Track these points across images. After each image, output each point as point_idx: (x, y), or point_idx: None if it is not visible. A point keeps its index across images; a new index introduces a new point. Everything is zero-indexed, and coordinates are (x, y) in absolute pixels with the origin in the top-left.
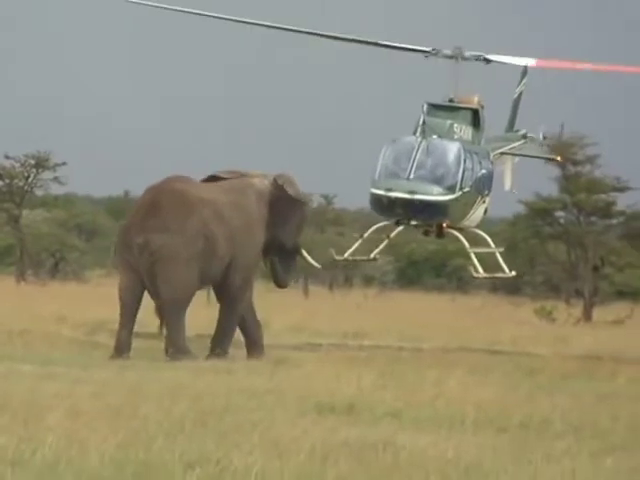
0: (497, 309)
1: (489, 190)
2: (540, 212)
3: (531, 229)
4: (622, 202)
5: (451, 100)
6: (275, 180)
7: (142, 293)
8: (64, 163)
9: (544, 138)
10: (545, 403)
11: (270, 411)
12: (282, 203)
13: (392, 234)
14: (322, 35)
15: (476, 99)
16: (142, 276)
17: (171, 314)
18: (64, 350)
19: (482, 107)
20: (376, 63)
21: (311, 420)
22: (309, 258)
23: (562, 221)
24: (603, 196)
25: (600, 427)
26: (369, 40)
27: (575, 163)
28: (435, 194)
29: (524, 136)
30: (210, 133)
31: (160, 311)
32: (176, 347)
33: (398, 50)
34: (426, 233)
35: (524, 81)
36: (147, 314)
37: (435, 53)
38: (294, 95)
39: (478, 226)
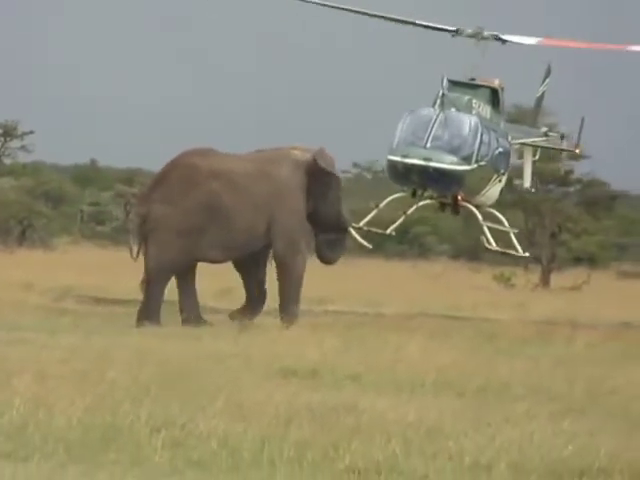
0: (457, 275)
1: (505, 169)
2: None
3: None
4: (578, 170)
5: (472, 79)
6: (318, 153)
7: None
8: (31, 132)
9: (562, 138)
10: (504, 367)
11: (235, 375)
12: (317, 177)
13: (409, 211)
14: (352, 10)
15: (497, 81)
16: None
17: (151, 282)
18: (31, 316)
19: (502, 89)
20: (403, 41)
21: (275, 384)
22: (359, 237)
23: (520, 189)
24: (560, 164)
25: (558, 390)
26: (399, 18)
27: None
28: (450, 163)
29: (546, 134)
30: (180, 102)
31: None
32: (145, 317)
33: (425, 29)
34: (442, 208)
35: (547, 81)
36: (115, 282)
37: (459, 33)
38: (319, 75)
39: (493, 206)
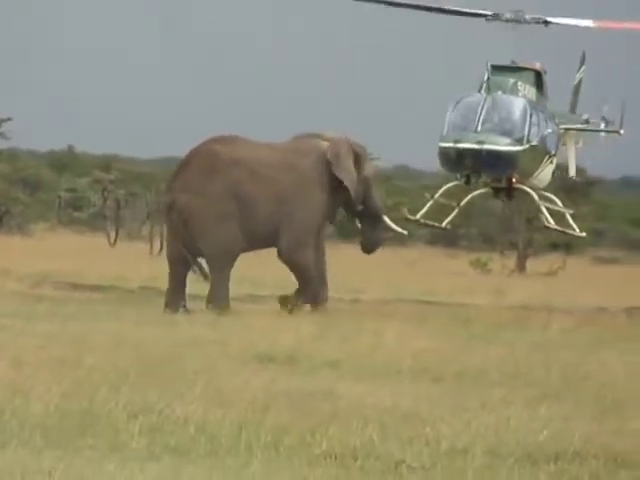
0: (434, 261)
1: (555, 151)
2: None
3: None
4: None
5: (514, 62)
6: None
7: (182, 249)
8: (9, 119)
9: (606, 124)
10: (480, 353)
11: (213, 361)
12: (358, 166)
13: (462, 202)
14: (383, 2)
15: (538, 65)
16: (175, 234)
17: (214, 271)
18: (8, 302)
19: (545, 72)
20: (437, 28)
21: (252, 370)
22: (393, 225)
23: None
24: None
25: (534, 376)
26: (431, 6)
27: None
28: (503, 144)
29: (587, 121)
30: (158, 89)
31: (199, 266)
32: (217, 304)
33: (460, 15)
34: (496, 193)
35: (583, 68)
36: (92, 268)
37: (497, 17)
38: (353, 62)
39: (546, 188)
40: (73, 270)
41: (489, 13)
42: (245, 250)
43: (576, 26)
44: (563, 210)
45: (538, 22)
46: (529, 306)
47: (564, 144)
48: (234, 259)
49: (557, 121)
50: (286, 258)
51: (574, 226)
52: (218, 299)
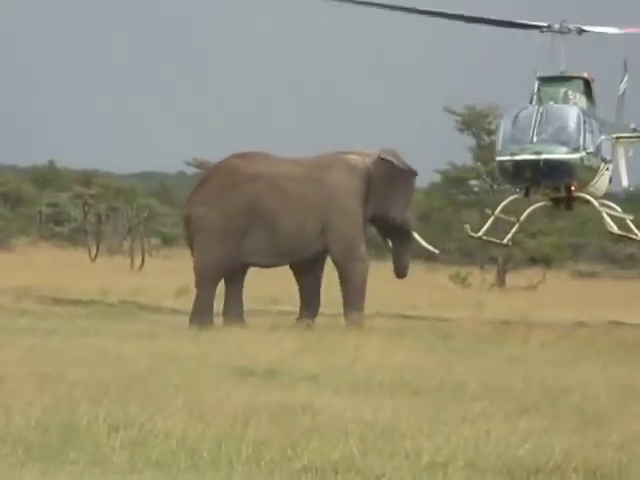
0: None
1: (611, 157)
2: (455, 181)
3: (446, 198)
4: None
5: (562, 72)
6: (379, 156)
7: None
8: None
9: None
10: (460, 366)
11: (193, 375)
12: (386, 178)
13: (522, 217)
14: (431, 13)
15: (586, 74)
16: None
17: (199, 286)
18: None
19: (593, 80)
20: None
21: (233, 384)
22: (423, 242)
23: (476, 189)
24: None
25: (513, 389)
26: (482, 17)
27: (489, 132)
28: (561, 153)
29: (635, 130)
30: (139, 104)
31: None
32: (199, 321)
33: (513, 27)
34: (555, 204)
35: (626, 78)
36: (74, 282)
37: (550, 28)
38: (404, 75)
39: (604, 196)
40: (54, 285)
41: (544, 24)
42: (267, 265)
43: (606, 33)
44: (623, 216)
45: (577, 31)
46: (509, 320)
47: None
48: (222, 276)
49: (609, 128)
50: (340, 266)
51: (636, 231)
52: (200, 314)
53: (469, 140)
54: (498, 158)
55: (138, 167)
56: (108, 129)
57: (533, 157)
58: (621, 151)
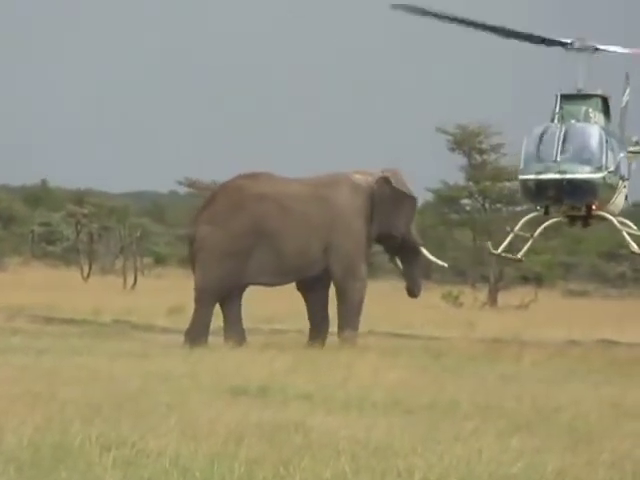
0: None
1: (628, 176)
2: (447, 200)
3: (438, 216)
4: None
5: (579, 90)
6: (381, 175)
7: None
8: None
9: None
10: (452, 385)
11: (185, 394)
12: (389, 196)
13: (536, 233)
14: (463, 21)
15: (601, 91)
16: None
17: (197, 303)
18: None
19: (609, 98)
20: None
21: (225, 403)
22: (431, 257)
23: (468, 208)
24: (508, 184)
25: (505, 408)
26: (512, 29)
27: (481, 152)
28: (585, 172)
29: (637, 142)
30: (132, 123)
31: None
32: (192, 338)
33: (535, 42)
34: (572, 222)
35: (628, 90)
36: (66, 301)
37: (572, 46)
38: (422, 92)
39: (620, 213)
40: (47, 304)
41: (568, 41)
42: (272, 284)
43: (615, 52)
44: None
45: (593, 49)
46: (500, 339)
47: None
48: (220, 296)
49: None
50: (340, 286)
51: None
52: (196, 331)
53: (461, 159)
54: (521, 177)
55: (131, 186)
56: (101, 148)
57: (557, 176)
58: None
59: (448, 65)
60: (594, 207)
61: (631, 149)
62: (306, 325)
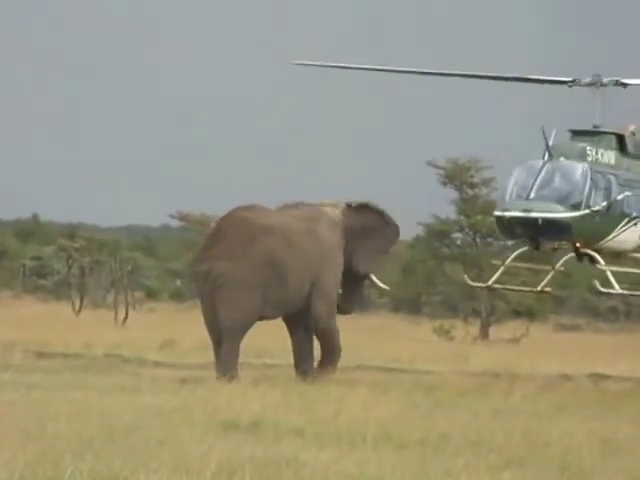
0: (397, 328)
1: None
2: (438, 234)
3: (429, 250)
4: None
5: (595, 127)
6: (347, 207)
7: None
8: None
9: None
10: (443, 420)
11: (177, 429)
12: (360, 229)
13: (557, 265)
14: (460, 75)
15: (632, 127)
16: (207, 304)
17: (228, 341)
18: None
19: (633, 134)
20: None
21: (217, 437)
22: (378, 282)
23: (459, 242)
24: None
25: (497, 442)
26: (509, 76)
27: (472, 186)
28: (554, 212)
29: None
30: (124, 155)
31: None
32: (225, 372)
33: (539, 83)
34: (579, 258)
35: None
36: (58, 335)
37: (577, 83)
38: (423, 129)
39: (636, 249)
40: (39, 338)
41: (569, 79)
42: (271, 318)
43: None
44: None
45: (616, 84)
46: (492, 373)
47: None
48: (247, 330)
49: None
50: (324, 326)
51: None
52: (229, 369)
53: (452, 193)
54: (495, 212)
55: (122, 220)
56: (92, 182)
57: (522, 215)
58: None
59: (439, 99)
60: (578, 245)
61: None
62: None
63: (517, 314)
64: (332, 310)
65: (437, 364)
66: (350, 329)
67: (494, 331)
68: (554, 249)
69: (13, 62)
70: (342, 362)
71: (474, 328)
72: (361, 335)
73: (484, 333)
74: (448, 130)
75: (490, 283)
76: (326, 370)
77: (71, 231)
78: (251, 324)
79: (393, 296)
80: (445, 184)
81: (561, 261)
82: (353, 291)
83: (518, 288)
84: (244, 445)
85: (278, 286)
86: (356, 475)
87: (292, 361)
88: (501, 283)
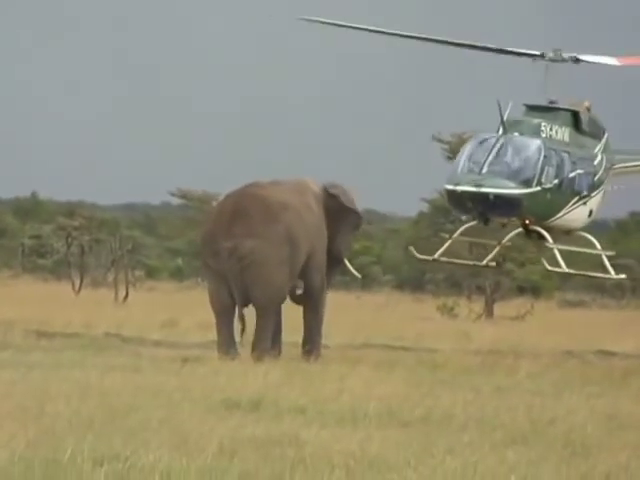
0: (401, 306)
1: (590, 192)
2: (442, 210)
3: (434, 227)
4: None
5: (551, 102)
6: (326, 189)
7: (230, 297)
8: None
9: None
10: (447, 397)
11: (177, 408)
12: (333, 212)
13: (504, 240)
14: (423, 39)
15: (586, 104)
16: (229, 281)
17: (264, 316)
18: None
19: (588, 111)
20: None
21: (218, 416)
22: (351, 268)
23: (464, 218)
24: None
25: (500, 420)
26: (477, 44)
27: None
28: (505, 187)
29: None
30: (123, 136)
31: (242, 317)
32: (262, 349)
33: (506, 54)
34: (527, 234)
35: None
36: (58, 315)
37: (542, 56)
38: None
39: (584, 228)
40: (39, 318)
41: (537, 53)
42: (287, 292)
43: (602, 64)
44: (599, 252)
45: (572, 60)
46: (496, 350)
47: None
48: (280, 306)
49: (616, 158)
50: (317, 295)
51: (609, 269)
52: (264, 346)
53: None
54: (445, 185)
55: (122, 198)
56: (91, 160)
57: (473, 189)
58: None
59: (444, 73)
60: (528, 222)
61: (634, 164)
62: (301, 338)
63: (522, 291)
64: (325, 284)
65: (441, 342)
66: (354, 307)
67: (498, 308)
68: (503, 225)
69: (16, 38)
70: (345, 340)
71: (478, 305)
72: (364, 313)
73: (488, 310)
74: (454, 104)
75: (436, 256)
76: (315, 343)
77: (70, 209)
78: (284, 300)
79: (397, 273)
80: (450, 159)
81: (507, 237)
82: (328, 278)
83: (463, 262)
84: (245, 424)
85: (293, 262)
86: (358, 453)
87: (293, 339)
88: (447, 256)
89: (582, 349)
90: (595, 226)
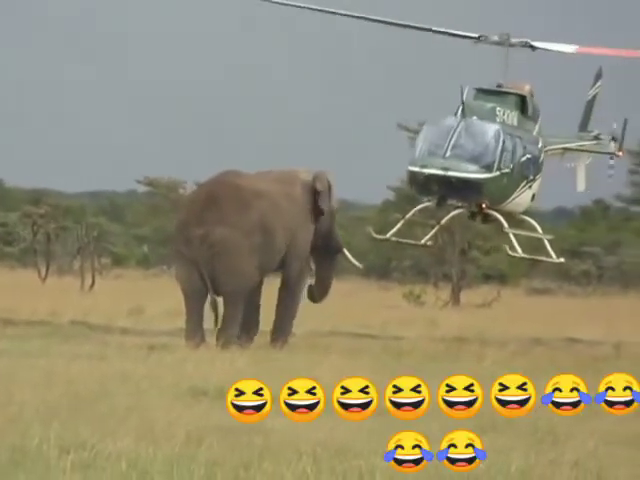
0: (367, 294)
1: (535, 175)
2: (408, 198)
3: (400, 214)
4: None
5: (499, 86)
6: (313, 177)
7: (202, 284)
8: None
9: (614, 140)
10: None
11: (144, 396)
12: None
13: (443, 220)
14: (368, 19)
15: (527, 87)
16: (200, 268)
17: (231, 305)
18: None
19: (532, 95)
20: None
21: (185, 404)
22: (351, 257)
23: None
24: None
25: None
26: (420, 26)
27: None
28: (469, 172)
29: (596, 137)
30: (92, 121)
31: (215, 305)
32: (228, 336)
33: (448, 36)
34: (472, 216)
35: (598, 84)
36: (24, 303)
37: (483, 39)
38: (330, 86)
39: (526, 212)
40: (4, 306)
41: (476, 35)
42: (256, 281)
43: (559, 52)
44: (540, 236)
45: (524, 46)
46: (462, 338)
47: (572, 161)
48: (248, 294)
49: (553, 141)
50: (293, 283)
51: (551, 253)
52: (231, 335)
53: None
54: (409, 167)
55: (87, 186)
56: (57, 147)
57: (441, 173)
58: (579, 159)
59: (408, 61)
60: (484, 206)
61: (577, 144)
62: (269, 325)
63: (488, 278)
64: (303, 273)
65: (407, 329)
66: None
67: (465, 296)
68: (457, 207)
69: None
70: (313, 327)
71: (445, 293)
72: (331, 300)
73: (455, 298)
74: (420, 91)
75: (388, 236)
76: (285, 330)
77: (36, 197)
78: (251, 288)
79: (363, 261)
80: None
81: (447, 217)
82: (327, 272)
83: (408, 241)
84: (212, 412)
85: (265, 250)
86: (325, 441)
87: (262, 327)
88: (400, 236)
89: (549, 336)
90: (561, 214)
